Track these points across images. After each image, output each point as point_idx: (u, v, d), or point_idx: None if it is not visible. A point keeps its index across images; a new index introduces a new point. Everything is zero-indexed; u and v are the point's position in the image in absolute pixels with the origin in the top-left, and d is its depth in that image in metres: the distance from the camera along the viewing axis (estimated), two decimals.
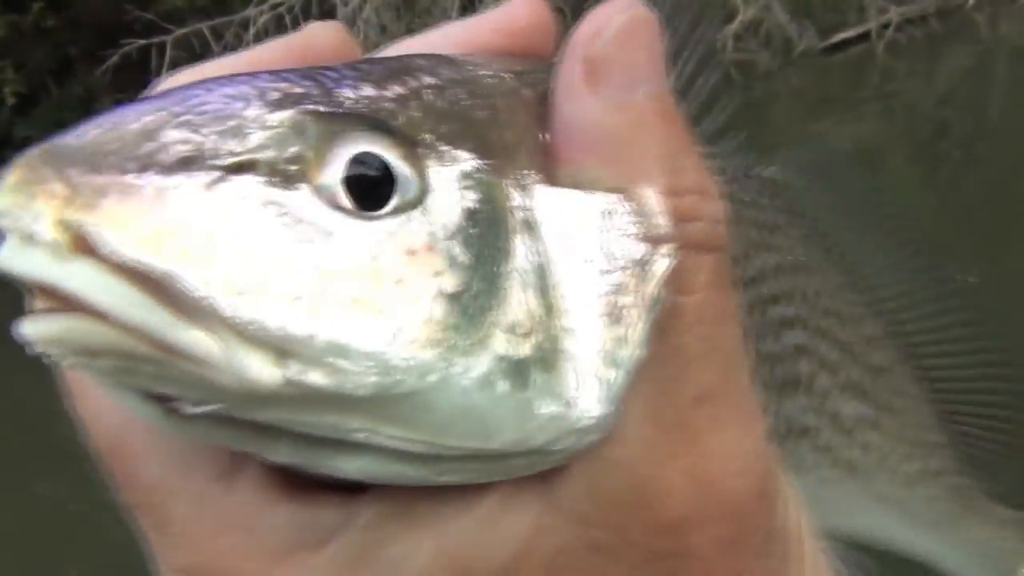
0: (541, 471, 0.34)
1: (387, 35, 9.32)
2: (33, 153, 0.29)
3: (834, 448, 0.56)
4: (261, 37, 9.76)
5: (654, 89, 0.35)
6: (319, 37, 0.40)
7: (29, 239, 0.28)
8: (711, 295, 0.34)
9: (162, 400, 0.31)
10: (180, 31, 10.73)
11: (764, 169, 0.55)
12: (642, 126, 0.35)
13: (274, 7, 10.32)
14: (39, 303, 0.30)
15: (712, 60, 0.48)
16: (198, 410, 0.30)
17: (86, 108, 12.15)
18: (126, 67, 11.03)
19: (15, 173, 0.28)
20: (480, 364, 0.32)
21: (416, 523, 0.34)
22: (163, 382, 0.30)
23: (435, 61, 0.37)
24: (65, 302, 0.29)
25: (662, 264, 0.34)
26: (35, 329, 0.29)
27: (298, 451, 0.33)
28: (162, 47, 10.75)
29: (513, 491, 0.34)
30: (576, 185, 0.35)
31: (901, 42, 8.50)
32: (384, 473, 0.33)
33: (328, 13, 9.63)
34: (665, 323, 0.34)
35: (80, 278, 0.28)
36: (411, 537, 0.34)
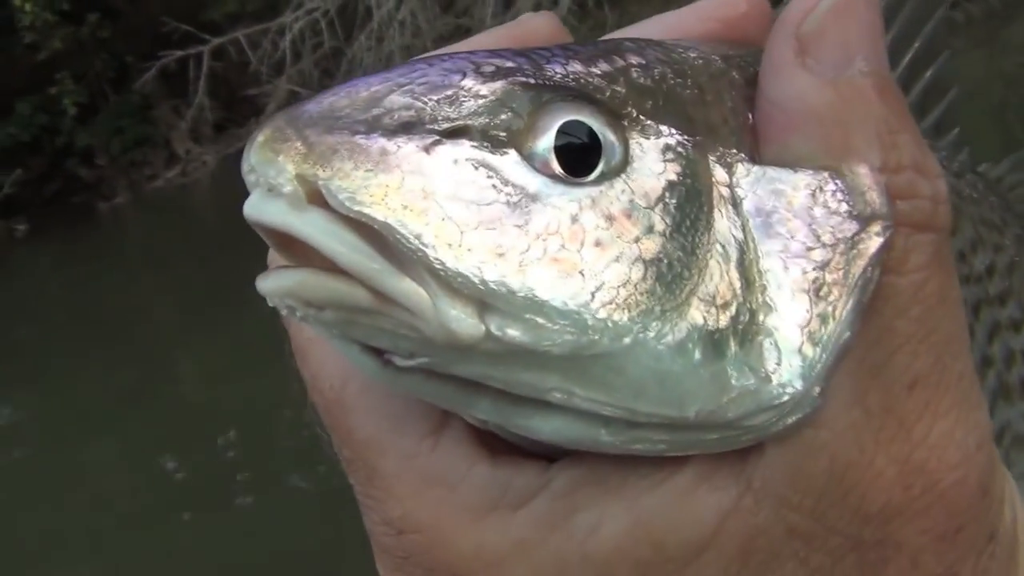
0: (738, 451, 0.34)
1: (421, 37, 9.33)
2: (278, 117, 0.33)
3: None
4: (297, 44, 9.86)
5: (869, 65, 0.34)
6: (534, 25, 0.42)
7: (272, 190, 0.32)
8: (929, 276, 0.33)
9: (378, 353, 0.34)
10: (217, 40, 10.88)
11: (989, 167, 0.54)
12: (855, 102, 0.34)
13: (309, 12, 10.40)
14: (274, 263, 0.34)
15: (936, 51, 0.46)
16: (409, 363, 0.33)
17: (143, 115, 12.41)
18: (181, 71, 11.24)
19: (263, 133, 0.32)
20: (675, 331, 0.33)
21: (610, 493, 0.34)
22: (378, 334, 0.33)
23: (643, 44, 0.39)
24: (300, 256, 0.32)
25: (873, 243, 0.33)
26: (272, 284, 0.32)
27: (498, 409, 0.34)
28: (199, 57, 10.92)
29: (710, 469, 0.34)
30: (783, 163, 0.35)
31: (957, 20, 8.29)
32: (579, 436, 0.34)
33: (363, 14, 9.69)
34: (877, 304, 0.33)
35: (312, 225, 0.31)
36: (604, 506, 0.34)
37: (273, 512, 4.19)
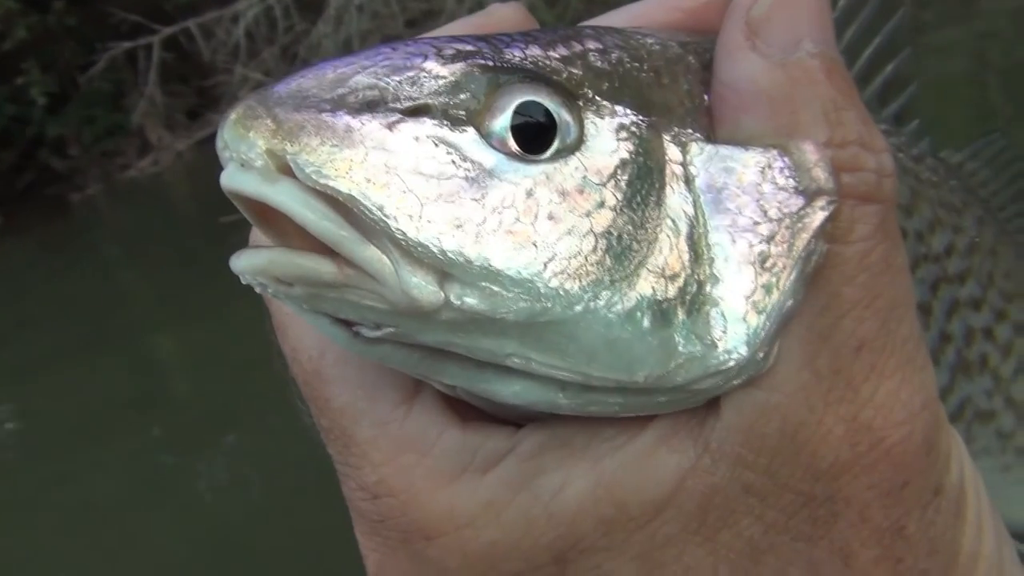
0: (697, 414, 0.36)
1: (379, 19, 9.23)
2: (249, 97, 0.35)
3: (1012, 434, 0.55)
4: (252, 31, 9.72)
5: (816, 46, 0.36)
6: (501, 14, 0.44)
7: (245, 164, 0.34)
8: (874, 245, 0.35)
9: (348, 326, 0.37)
10: (168, 30, 10.71)
11: (950, 154, 0.57)
12: (802, 82, 0.36)
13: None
14: (254, 243, 0.36)
15: (899, 44, 0.48)
16: (375, 333, 0.36)
17: (115, 103, 12.24)
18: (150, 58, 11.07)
19: (236, 112, 0.35)
20: (624, 300, 0.35)
21: (574, 455, 0.36)
22: (345, 307, 0.35)
23: (603, 31, 0.41)
24: (276, 229, 0.35)
25: (818, 216, 0.35)
26: (244, 262, 0.35)
27: (463, 374, 0.37)
28: (148, 48, 10.75)
29: (669, 432, 0.36)
30: (735, 142, 0.37)
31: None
32: (538, 399, 0.37)
33: (320, 2, 9.59)
34: (824, 272, 0.35)
35: (283, 195, 0.34)
36: (568, 467, 0.36)
37: (269, 497, 4.19)
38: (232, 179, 0.35)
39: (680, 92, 0.40)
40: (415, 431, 0.39)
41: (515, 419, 0.39)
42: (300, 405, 0.42)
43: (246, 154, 0.34)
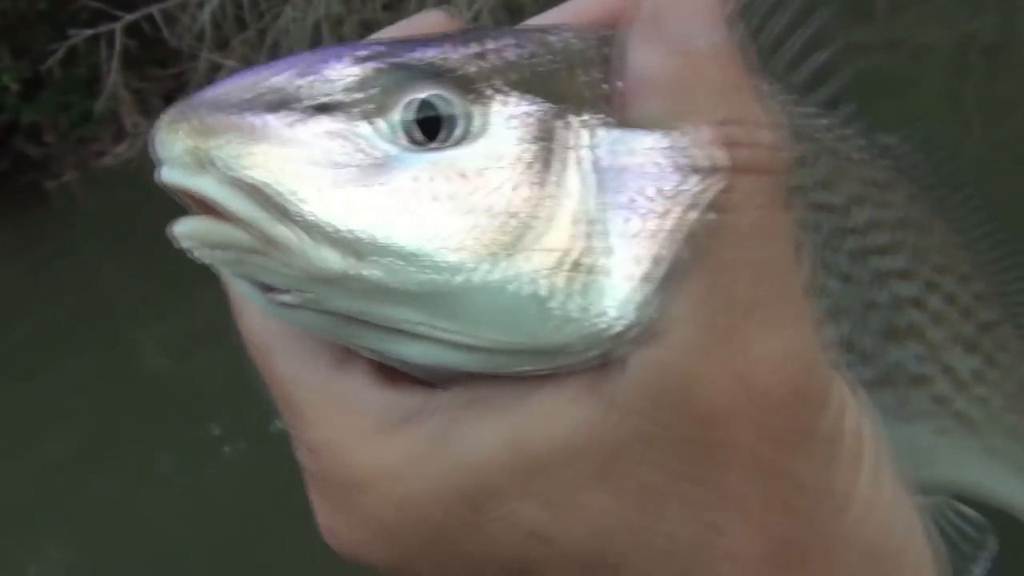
0: (603, 372, 0.40)
1: (351, 4, 9.14)
2: (179, 102, 0.41)
3: (949, 399, 0.59)
4: (218, 18, 9.60)
5: (712, 37, 0.40)
6: (429, 22, 0.48)
7: (174, 161, 0.40)
8: (764, 215, 0.38)
9: (268, 291, 0.41)
10: (130, 16, 10.56)
11: (879, 136, 0.60)
12: (699, 67, 0.39)
13: None
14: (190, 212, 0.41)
15: (830, 33, 0.52)
16: (294, 299, 0.40)
17: (91, 89, 12.09)
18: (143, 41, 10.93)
19: (166, 116, 0.40)
20: (517, 272, 0.38)
21: (487, 412, 0.40)
22: (263, 272, 0.40)
23: (519, 28, 0.44)
24: (203, 208, 0.40)
25: (710, 191, 0.38)
26: (180, 228, 0.40)
27: (379, 339, 0.41)
28: (111, 36, 10.59)
29: (577, 388, 0.40)
30: (638, 126, 0.40)
31: None
32: (448, 361, 0.40)
33: None
34: (715, 242, 0.38)
35: (206, 187, 0.39)
36: (482, 424, 0.40)
37: (258, 475, 4.17)
38: (164, 175, 0.40)
39: (593, 81, 0.42)
40: (345, 392, 0.43)
41: (438, 380, 0.42)
42: (259, 385, 0.46)
43: (175, 152, 0.39)
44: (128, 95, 12.04)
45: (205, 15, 10.24)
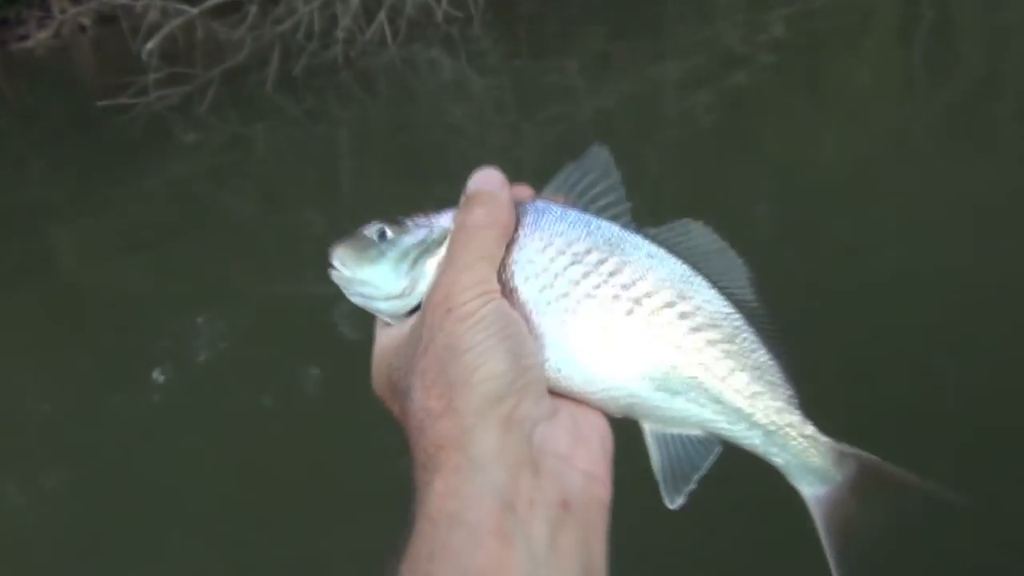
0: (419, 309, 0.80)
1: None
2: (338, 240, 0.85)
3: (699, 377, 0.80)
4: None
5: (486, 214, 0.80)
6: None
7: (330, 267, 0.84)
8: (475, 233, 0.79)
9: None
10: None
11: (650, 229, 0.82)
12: (474, 225, 0.79)
13: None
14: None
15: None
16: (389, 318, 0.85)
17: None
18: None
19: (335, 247, 0.84)
20: (385, 269, 0.84)
21: (385, 328, 0.85)
22: (369, 303, 0.84)
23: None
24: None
25: (445, 226, 0.84)
26: (333, 277, 0.84)
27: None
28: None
29: (418, 317, 0.78)
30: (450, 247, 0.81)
31: None
32: (381, 310, 0.84)
33: None
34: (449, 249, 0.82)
35: (335, 275, 0.84)
36: (383, 332, 0.84)
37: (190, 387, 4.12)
38: (330, 274, 0.83)
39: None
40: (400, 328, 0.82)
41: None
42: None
43: (332, 263, 0.83)
44: None
45: None
